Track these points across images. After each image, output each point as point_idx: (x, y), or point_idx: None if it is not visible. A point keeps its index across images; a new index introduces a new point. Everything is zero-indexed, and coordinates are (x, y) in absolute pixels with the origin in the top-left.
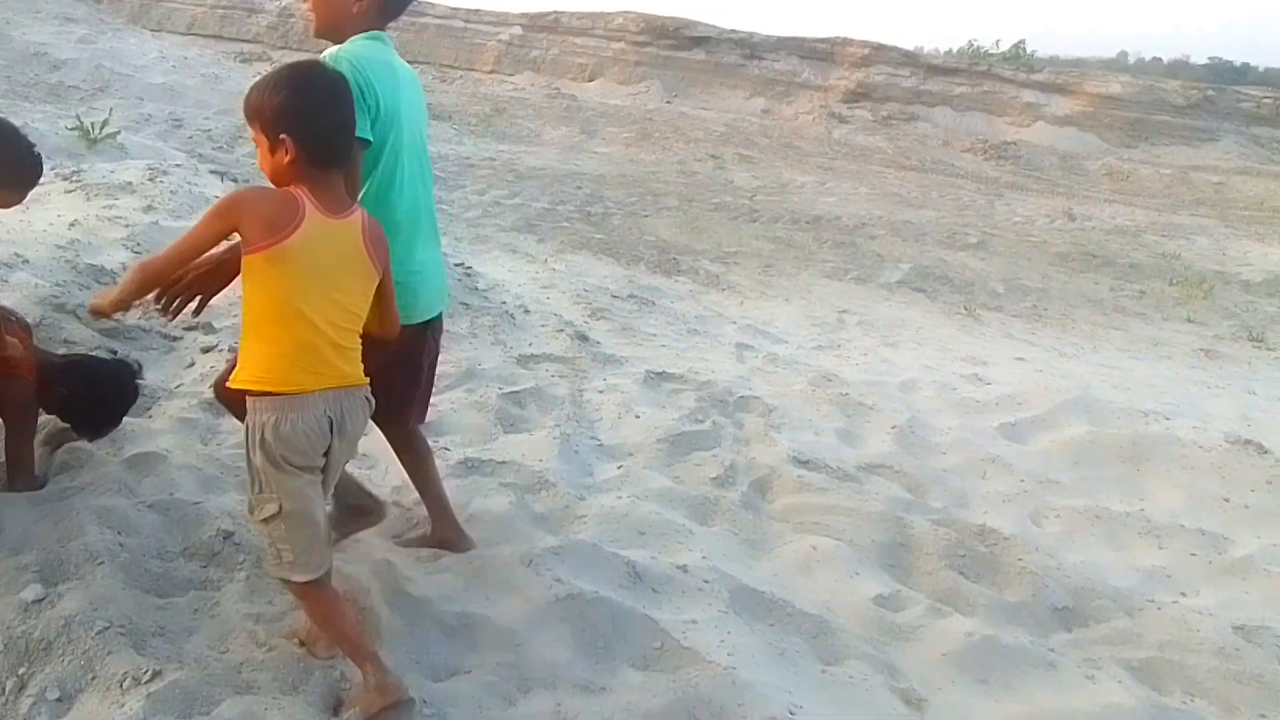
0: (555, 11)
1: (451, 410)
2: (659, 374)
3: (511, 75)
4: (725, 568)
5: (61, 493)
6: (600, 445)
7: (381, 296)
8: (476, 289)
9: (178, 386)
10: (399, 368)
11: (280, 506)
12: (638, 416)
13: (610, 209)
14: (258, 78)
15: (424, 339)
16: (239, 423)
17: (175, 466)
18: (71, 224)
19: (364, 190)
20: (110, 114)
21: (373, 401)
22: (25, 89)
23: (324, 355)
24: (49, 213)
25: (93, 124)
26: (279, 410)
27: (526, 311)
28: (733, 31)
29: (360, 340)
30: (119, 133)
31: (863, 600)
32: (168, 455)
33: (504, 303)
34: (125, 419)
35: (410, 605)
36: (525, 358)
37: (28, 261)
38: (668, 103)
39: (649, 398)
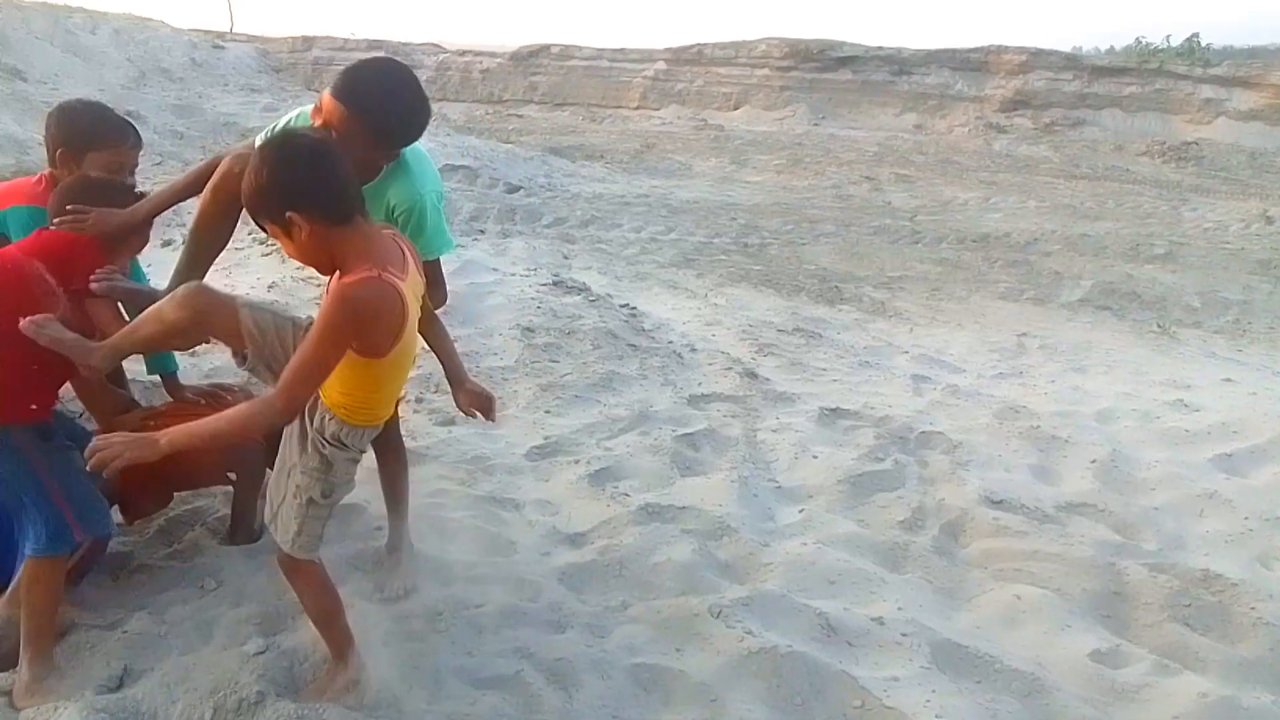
0: (698, 44)
1: (628, 454)
2: (833, 410)
3: (658, 109)
4: (923, 619)
5: (272, 547)
6: (779, 487)
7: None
8: (643, 329)
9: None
10: None
11: (334, 491)
12: (815, 456)
13: (767, 239)
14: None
15: None
16: (432, 472)
17: (375, 517)
18: (270, 286)
19: None
20: None
21: None
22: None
23: (398, 389)
24: (250, 275)
25: None
26: (361, 435)
27: (693, 350)
28: (879, 48)
29: None
30: None
31: (1078, 656)
32: (365, 507)
33: (671, 342)
34: None
35: (599, 656)
36: (696, 398)
37: None
38: (815, 126)
39: (825, 436)
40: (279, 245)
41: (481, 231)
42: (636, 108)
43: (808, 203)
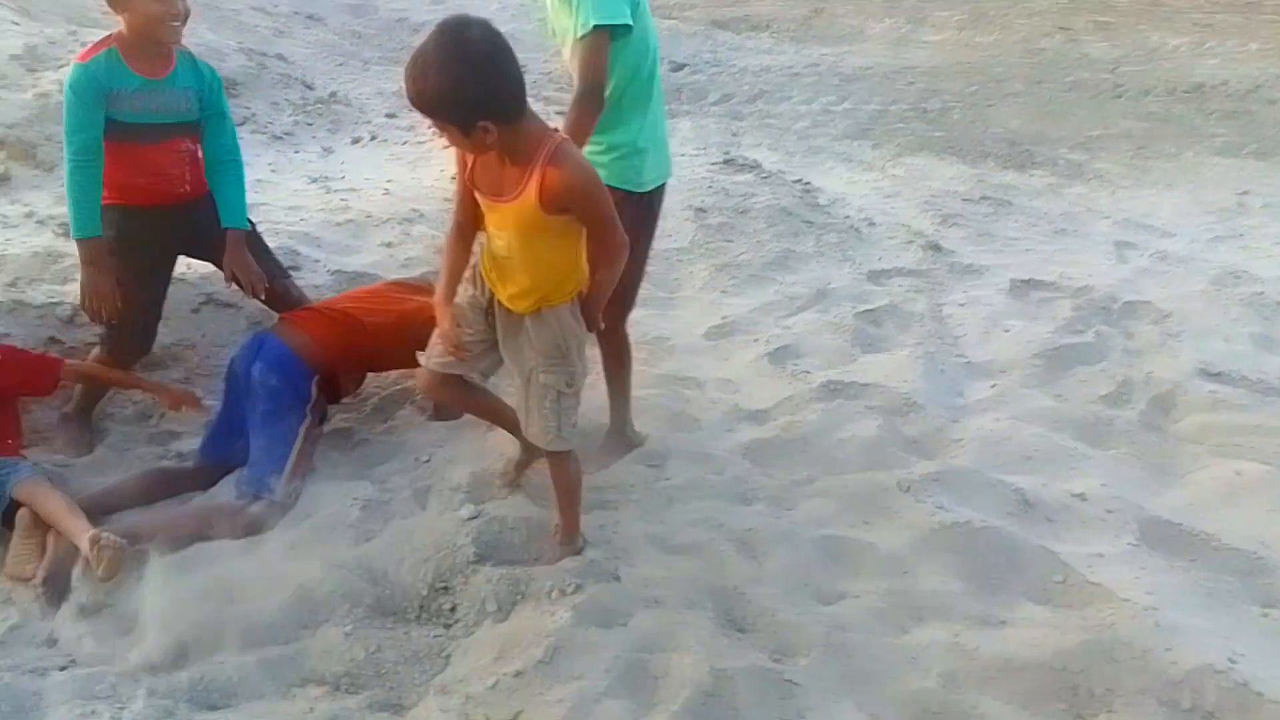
0: None
1: (807, 332)
2: (1026, 282)
3: None
4: (1130, 496)
5: (474, 420)
6: (968, 363)
7: None
8: (818, 205)
9: None
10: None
11: (576, 379)
12: (1007, 330)
13: (949, 103)
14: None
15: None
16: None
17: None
18: (453, 178)
19: (636, 72)
20: None
21: None
22: (394, 53)
23: None
24: (433, 169)
25: None
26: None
27: (872, 224)
28: None
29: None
30: None
31: None
32: None
33: (848, 217)
34: None
35: (787, 528)
36: (876, 273)
37: (423, 215)
38: None
39: (1017, 309)
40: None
41: None
42: None
43: (993, 60)
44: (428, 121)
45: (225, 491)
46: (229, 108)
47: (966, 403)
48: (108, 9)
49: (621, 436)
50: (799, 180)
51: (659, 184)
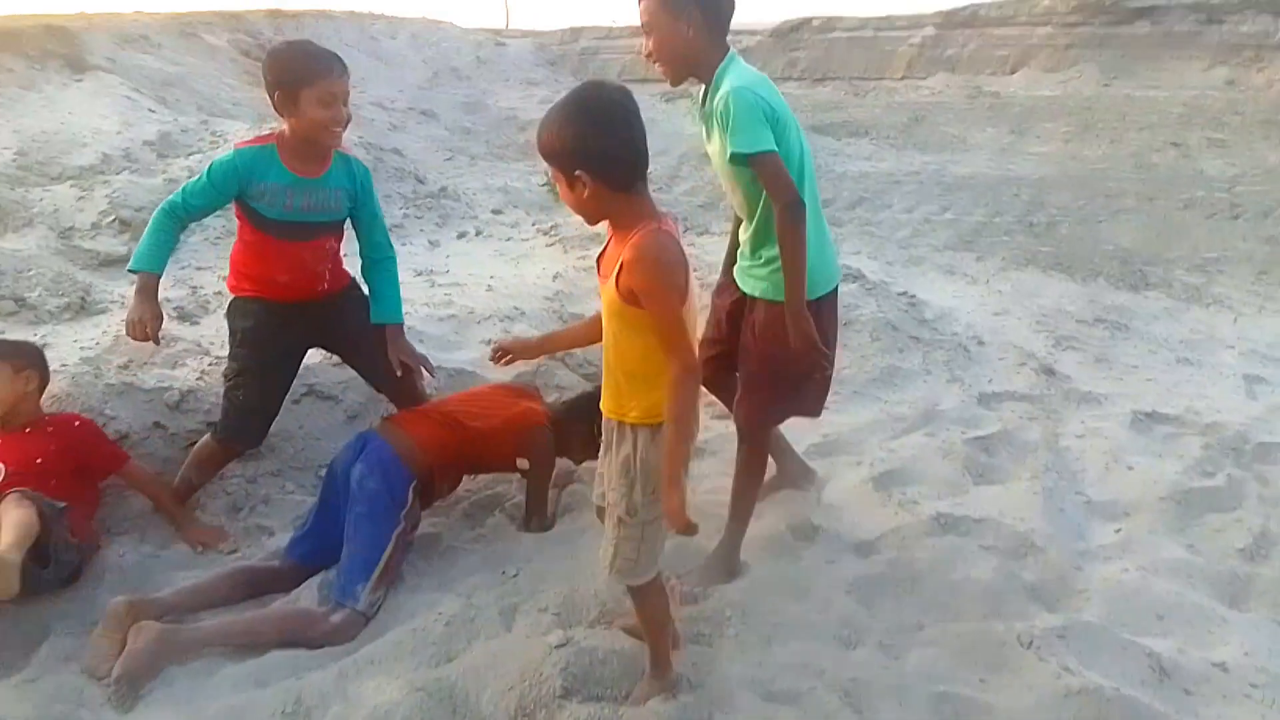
0: (972, 4)
1: (914, 456)
2: (1149, 414)
3: (925, 79)
4: (1276, 668)
5: (566, 535)
6: (1089, 502)
7: None
8: (924, 319)
9: None
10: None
11: (639, 510)
12: (1130, 468)
13: (1056, 216)
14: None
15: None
16: (714, 468)
17: None
18: (555, 276)
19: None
20: None
21: None
22: (501, 149)
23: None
24: (535, 266)
25: (544, 171)
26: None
27: (981, 343)
28: None
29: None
30: None
31: None
32: None
33: (955, 333)
34: None
35: (896, 680)
36: (987, 396)
37: (524, 313)
38: (1106, 86)
39: (1141, 444)
40: (560, 235)
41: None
42: (902, 78)
43: (1102, 174)
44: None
45: (308, 595)
46: (379, 204)
47: (1090, 547)
48: (274, 110)
49: (725, 562)
50: (904, 293)
51: (823, 292)
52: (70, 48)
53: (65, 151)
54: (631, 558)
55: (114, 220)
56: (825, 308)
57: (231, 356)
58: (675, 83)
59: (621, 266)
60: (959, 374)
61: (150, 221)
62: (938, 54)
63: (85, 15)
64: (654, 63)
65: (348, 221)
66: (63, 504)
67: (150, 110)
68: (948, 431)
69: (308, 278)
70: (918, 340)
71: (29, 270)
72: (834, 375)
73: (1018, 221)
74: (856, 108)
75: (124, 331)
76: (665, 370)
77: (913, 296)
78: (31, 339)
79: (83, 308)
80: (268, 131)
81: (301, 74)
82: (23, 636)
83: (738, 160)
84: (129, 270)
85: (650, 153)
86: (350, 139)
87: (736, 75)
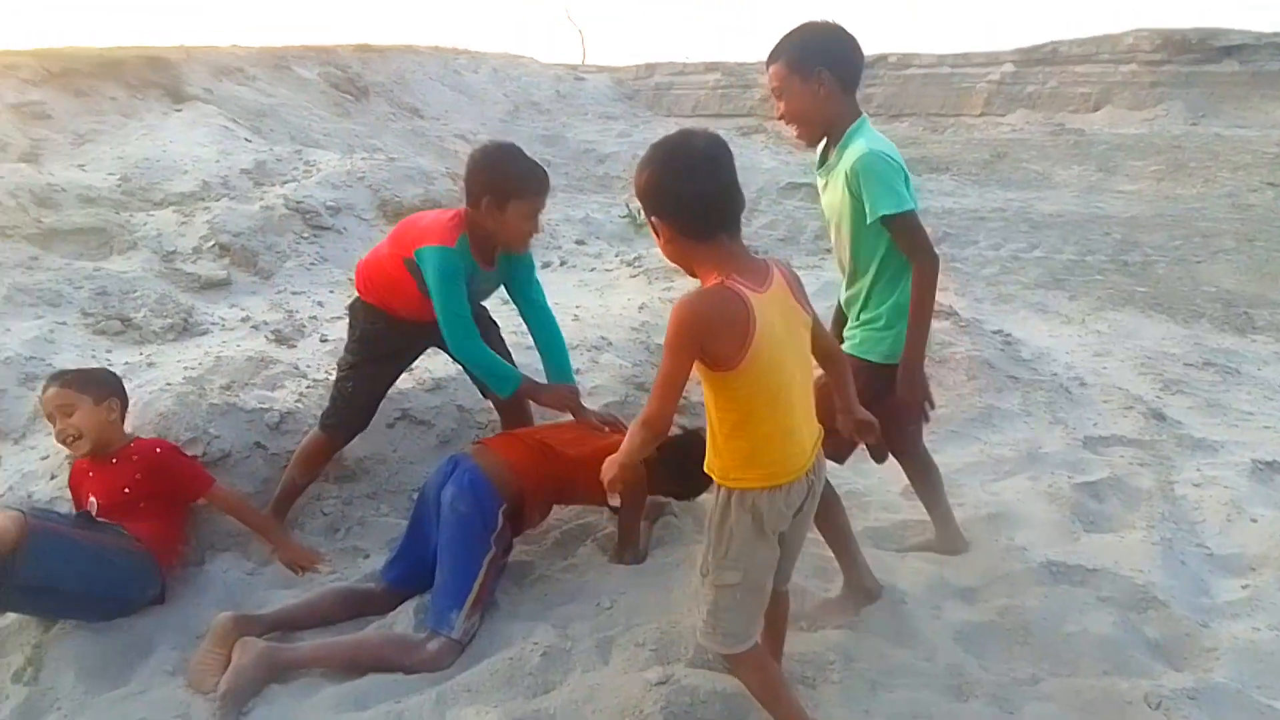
0: (1052, 42)
1: (1018, 500)
2: (1269, 464)
3: (1003, 115)
4: None
5: (660, 568)
6: (1211, 555)
7: (815, 334)
8: (1022, 359)
9: None
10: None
11: (744, 576)
12: (1254, 520)
13: (1151, 256)
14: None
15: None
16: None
17: None
18: (640, 307)
19: (892, 248)
20: None
21: None
22: (579, 182)
23: (799, 432)
24: (621, 297)
25: (637, 210)
26: (780, 490)
27: (1083, 384)
28: (1274, 34)
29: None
30: None
31: None
32: None
33: (1055, 374)
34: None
35: None
36: (1093, 440)
37: (611, 343)
38: (1194, 125)
39: (1263, 495)
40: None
41: (828, 251)
42: (980, 114)
43: (1197, 214)
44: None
45: (404, 620)
46: (536, 276)
47: (1215, 603)
48: (469, 202)
49: (860, 589)
50: (998, 331)
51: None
52: (170, 78)
53: (166, 178)
54: (710, 621)
55: (214, 245)
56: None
57: (347, 349)
58: (811, 144)
59: None
60: (1061, 416)
61: (473, 357)
62: (1017, 91)
63: (185, 47)
64: (788, 124)
65: None
66: (109, 523)
67: (246, 139)
68: (1053, 475)
69: (429, 311)
70: (1016, 380)
71: (134, 291)
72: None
73: (1111, 260)
74: (935, 144)
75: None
76: (721, 434)
77: (1008, 335)
78: (137, 358)
79: (185, 329)
80: (453, 214)
81: (517, 187)
82: (128, 649)
83: (886, 221)
84: (510, 393)
85: None
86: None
87: (869, 138)
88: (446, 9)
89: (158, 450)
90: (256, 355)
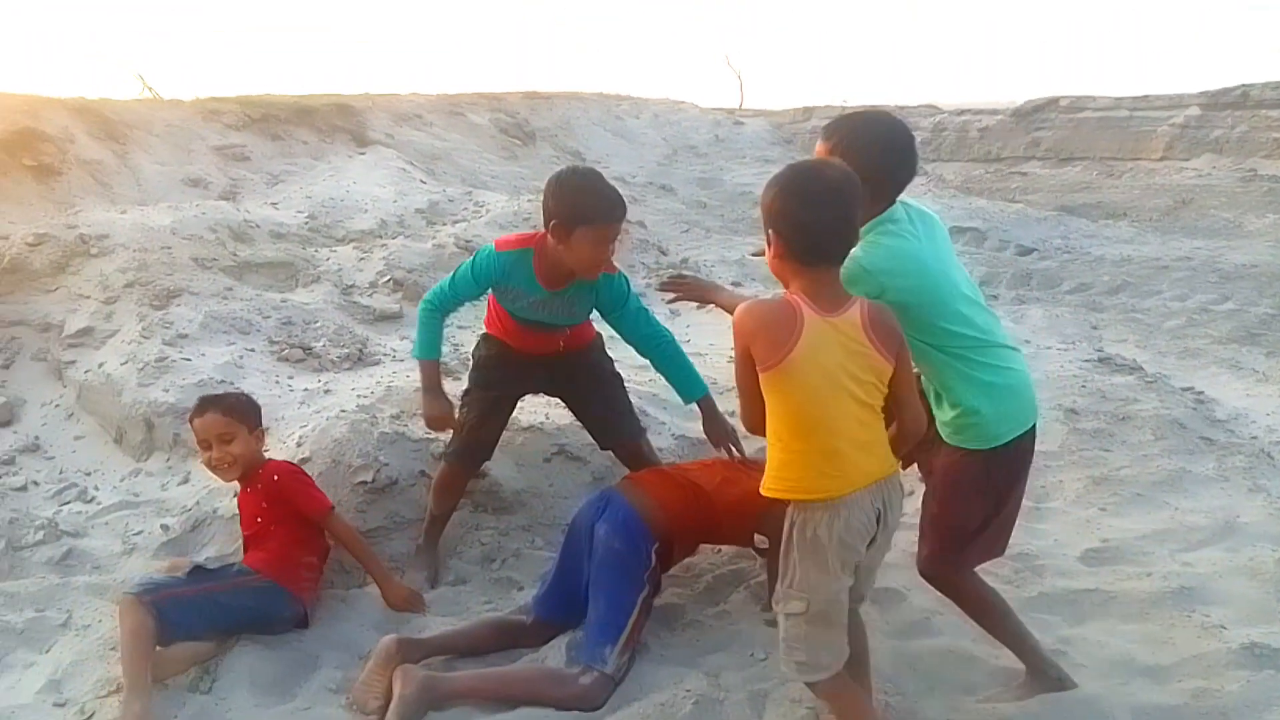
0: (1242, 85)
1: (1214, 573)
2: None
3: (1187, 160)
4: None
5: None
6: None
7: (895, 388)
8: (1215, 419)
9: (900, 516)
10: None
11: (808, 606)
12: None
13: None
14: None
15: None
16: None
17: (915, 608)
18: None
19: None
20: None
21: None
22: (734, 224)
23: (847, 456)
24: None
25: None
26: (831, 510)
27: None
28: None
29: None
30: None
31: None
32: (906, 593)
33: (1255, 438)
34: None
35: None
36: None
37: None
38: None
39: None
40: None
41: (995, 297)
42: (1160, 159)
43: None
44: None
45: (555, 654)
46: (638, 301)
47: None
48: (545, 226)
49: (1043, 677)
50: (1189, 388)
51: (1008, 438)
52: (355, 124)
53: (348, 216)
54: (786, 650)
55: (389, 280)
56: (1003, 456)
57: (467, 379)
58: None
59: None
60: (1262, 483)
61: (420, 315)
62: (1202, 135)
63: (369, 95)
64: None
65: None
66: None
67: (421, 181)
68: (1254, 548)
69: (545, 345)
70: (1210, 442)
71: (316, 322)
72: (1111, 475)
73: None
74: (1111, 189)
75: (424, 425)
76: (769, 440)
77: (1199, 393)
78: (315, 385)
79: (360, 358)
80: (530, 231)
81: (585, 214)
82: (296, 665)
83: None
84: (414, 357)
85: None
86: None
87: (861, 252)
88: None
89: (275, 478)
90: None
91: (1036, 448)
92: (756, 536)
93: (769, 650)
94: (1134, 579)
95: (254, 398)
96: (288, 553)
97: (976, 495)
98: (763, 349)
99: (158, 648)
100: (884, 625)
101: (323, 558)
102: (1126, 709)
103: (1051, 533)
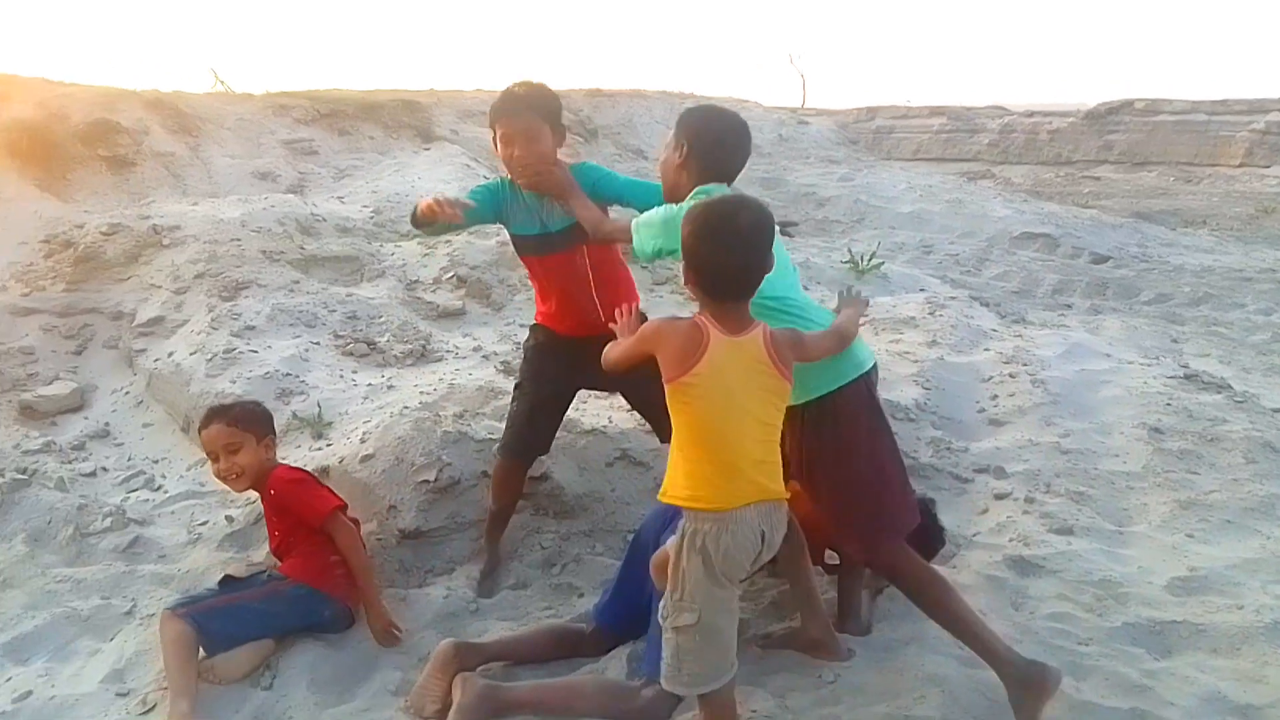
0: None
1: None
2: None
3: (1268, 168)
4: None
5: (887, 644)
6: None
7: None
8: None
9: (974, 535)
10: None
11: (699, 618)
12: None
13: None
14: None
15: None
16: (1051, 589)
17: None
18: None
19: None
20: (877, 246)
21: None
22: (800, 225)
23: (741, 472)
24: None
25: (860, 255)
26: (720, 523)
27: None
28: None
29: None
30: (883, 263)
31: None
32: (984, 616)
33: None
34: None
35: None
36: None
37: None
38: None
39: None
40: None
41: (1068, 306)
42: (1239, 165)
43: None
44: None
45: (616, 666)
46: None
47: None
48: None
49: (1008, 666)
50: (1277, 410)
51: (817, 396)
52: (421, 120)
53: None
54: (673, 665)
55: (453, 276)
56: (814, 414)
57: (519, 372)
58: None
59: None
60: None
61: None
62: None
63: (434, 92)
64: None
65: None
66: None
67: (485, 177)
68: None
69: (576, 308)
70: None
71: (380, 317)
72: (1199, 499)
73: None
74: (1189, 195)
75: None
76: (672, 449)
77: None
78: (379, 380)
79: (423, 355)
80: None
81: (491, 115)
82: (356, 665)
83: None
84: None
85: (955, 235)
86: None
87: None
88: (680, 55)
89: (272, 492)
90: (486, 385)
91: (1118, 467)
92: (827, 553)
93: (838, 673)
94: (1224, 611)
95: (264, 405)
96: (314, 556)
97: (808, 452)
98: (669, 360)
99: (214, 657)
100: (958, 653)
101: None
102: None
103: (1136, 559)
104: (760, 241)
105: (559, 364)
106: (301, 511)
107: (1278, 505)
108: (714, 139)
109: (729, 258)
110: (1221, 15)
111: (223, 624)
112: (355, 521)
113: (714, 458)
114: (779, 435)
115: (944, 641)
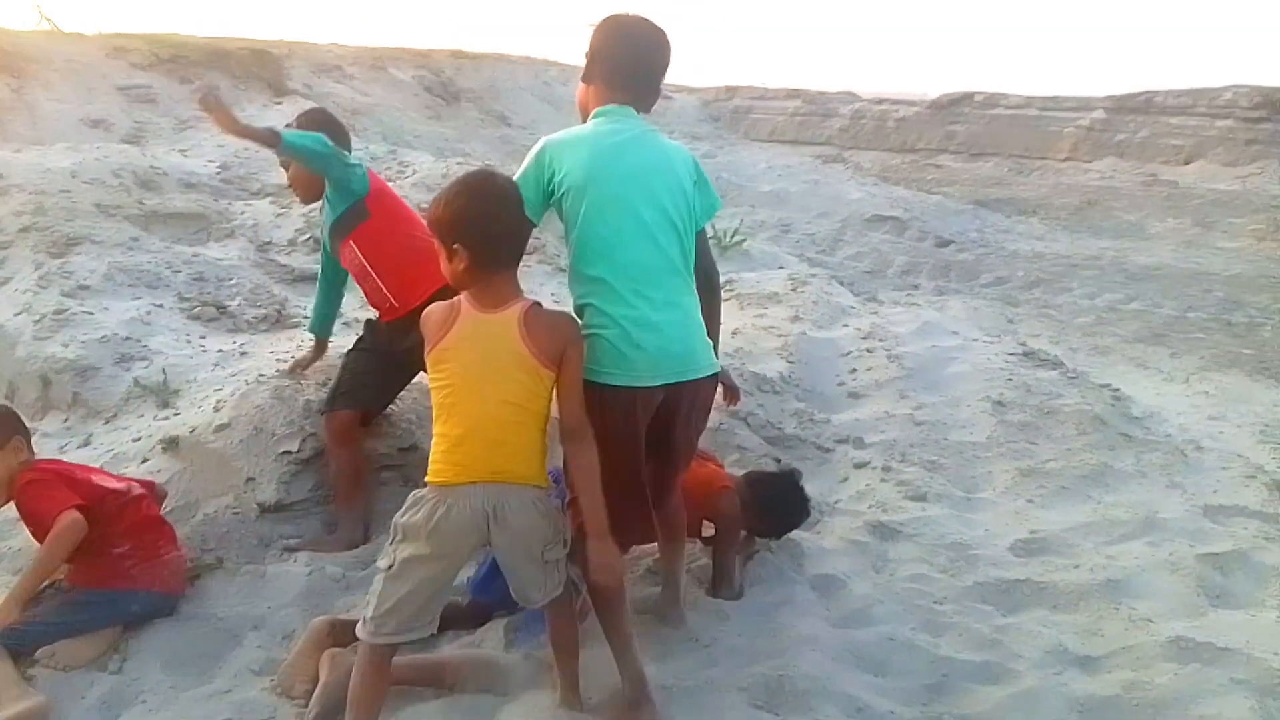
0: (1147, 91)
1: (1138, 567)
2: None
3: (1090, 162)
4: None
5: (761, 608)
6: None
7: (561, 388)
8: (1133, 417)
9: (836, 502)
10: (617, 438)
11: (392, 565)
12: None
13: (1256, 318)
14: None
15: (635, 407)
16: (909, 552)
17: (856, 595)
18: (733, 333)
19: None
20: (740, 223)
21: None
22: None
23: (469, 450)
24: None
25: (723, 232)
26: (439, 495)
27: (1199, 448)
28: None
29: (536, 434)
30: (745, 240)
31: None
32: (846, 580)
33: (1169, 435)
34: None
35: None
36: (1213, 509)
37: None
38: None
39: None
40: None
41: (915, 287)
42: (1065, 159)
43: None
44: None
45: (492, 638)
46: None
47: None
48: None
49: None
50: (1107, 385)
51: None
52: (272, 72)
53: (264, 169)
54: (375, 605)
55: (309, 238)
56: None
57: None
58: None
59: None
60: (1179, 480)
61: None
62: (1106, 138)
63: (287, 42)
64: None
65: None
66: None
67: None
68: (1173, 544)
69: (374, 297)
70: (1129, 439)
71: (230, 279)
72: (1038, 468)
73: (1214, 319)
74: (1021, 186)
75: None
76: (435, 421)
77: (1117, 390)
78: (230, 346)
79: (278, 320)
80: None
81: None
82: (213, 643)
83: None
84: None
85: (811, 215)
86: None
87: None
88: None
89: (11, 500)
90: None
91: (966, 437)
92: (704, 523)
93: (715, 637)
94: (1063, 570)
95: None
96: (97, 555)
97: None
98: (426, 338)
99: (55, 643)
100: (826, 613)
101: (138, 536)
102: (1063, 700)
103: (983, 523)
104: (518, 201)
105: (374, 347)
106: (42, 521)
107: (1105, 474)
108: (617, 53)
109: (497, 223)
110: (1062, 15)
111: (26, 643)
112: (153, 507)
113: (449, 433)
114: (538, 419)
115: (814, 604)
